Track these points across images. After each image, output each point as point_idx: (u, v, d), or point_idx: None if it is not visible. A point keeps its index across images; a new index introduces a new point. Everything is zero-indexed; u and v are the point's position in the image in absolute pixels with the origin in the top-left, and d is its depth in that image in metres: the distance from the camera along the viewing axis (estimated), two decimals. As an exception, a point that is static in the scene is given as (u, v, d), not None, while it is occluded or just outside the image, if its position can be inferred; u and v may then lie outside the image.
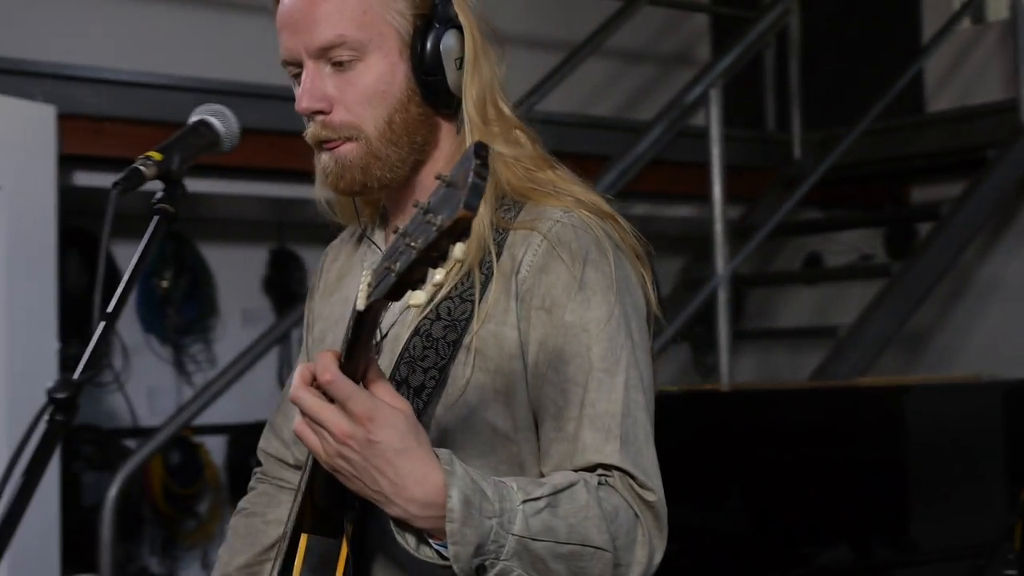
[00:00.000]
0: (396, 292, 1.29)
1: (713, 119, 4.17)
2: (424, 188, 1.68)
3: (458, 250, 1.24)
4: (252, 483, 1.96)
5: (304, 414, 1.41)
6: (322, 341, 1.80)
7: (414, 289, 1.28)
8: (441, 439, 1.57)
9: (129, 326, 5.19)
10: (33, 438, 1.30)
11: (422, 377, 1.59)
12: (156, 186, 1.51)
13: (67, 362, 4.64)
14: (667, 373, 5.81)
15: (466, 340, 1.58)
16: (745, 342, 5.81)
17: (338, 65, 1.62)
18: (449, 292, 1.60)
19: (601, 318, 1.58)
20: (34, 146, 3.74)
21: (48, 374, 3.74)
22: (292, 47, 1.63)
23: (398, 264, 1.27)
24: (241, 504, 1.94)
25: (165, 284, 5.18)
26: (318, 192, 1.76)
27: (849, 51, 5.97)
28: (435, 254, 1.24)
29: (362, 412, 1.38)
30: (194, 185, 4.59)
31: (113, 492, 3.89)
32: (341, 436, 1.38)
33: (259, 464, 1.96)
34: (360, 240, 1.84)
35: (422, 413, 1.57)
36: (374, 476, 1.40)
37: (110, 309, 1.38)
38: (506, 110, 1.68)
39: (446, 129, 1.69)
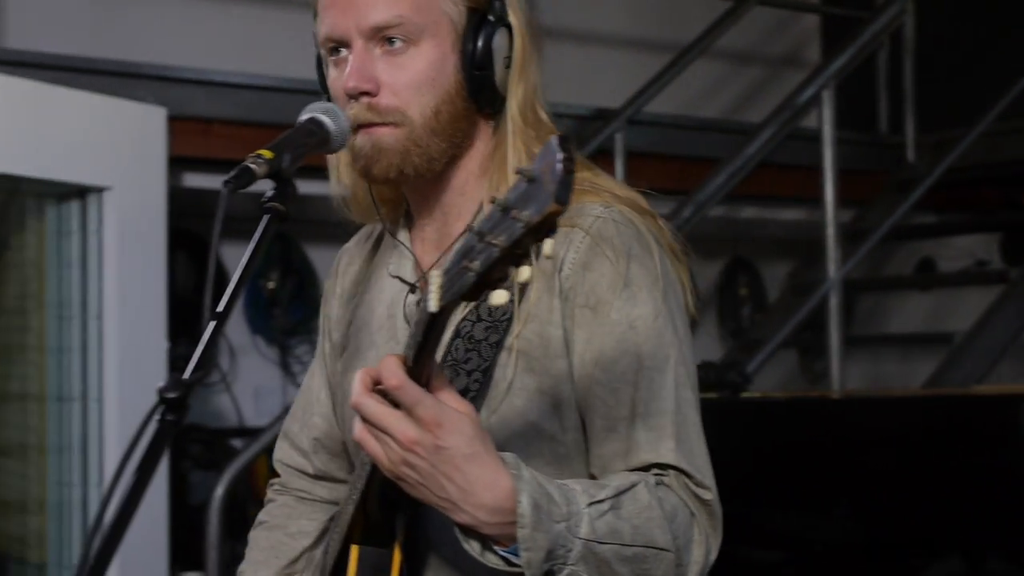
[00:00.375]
0: (474, 292, 1.25)
1: (826, 121, 4.09)
2: (455, 187, 1.67)
3: (548, 246, 1.20)
4: (270, 495, 1.92)
5: (366, 421, 1.38)
6: (344, 347, 1.78)
7: (492, 288, 1.24)
8: None
9: (236, 327, 5.24)
10: (144, 437, 1.28)
11: (466, 380, 1.57)
12: (264, 186, 1.49)
13: (176, 362, 4.70)
14: (774, 378, 5.72)
15: (508, 341, 1.55)
16: (855, 348, 5.69)
17: (389, 47, 1.59)
18: None
19: (648, 315, 1.56)
20: (144, 148, 3.78)
21: (158, 374, 3.79)
22: (341, 24, 1.60)
23: (477, 263, 1.22)
24: (260, 517, 1.90)
25: (272, 286, 5.21)
26: (334, 188, 1.74)
27: (965, 51, 5.83)
28: (519, 251, 1.20)
29: (430, 418, 1.35)
30: (301, 187, 4.61)
31: (220, 491, 3.93)
32: (408, 443, 1.35)
33: (275, 475, 1.92)
34: (378, 242, 1.81)
35: None
36: (442, 483, 1.37)
37: (220, 309, 1.35)
38: (543, 115, 1.67)
39: (483, 128, 1.67)
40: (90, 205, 3.72)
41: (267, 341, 5.30)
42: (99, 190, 3.70)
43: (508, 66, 1.63)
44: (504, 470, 1.39)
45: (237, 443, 5.11)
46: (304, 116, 1.56)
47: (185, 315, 4.11)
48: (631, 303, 1.56)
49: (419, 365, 1.35)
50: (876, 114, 5.67)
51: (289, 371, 5.33)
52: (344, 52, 1.62)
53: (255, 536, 1.88)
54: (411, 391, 1.34)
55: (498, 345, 1.56)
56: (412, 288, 1.70)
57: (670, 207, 4.08)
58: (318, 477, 1.87)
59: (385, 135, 1.59)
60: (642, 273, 1.56)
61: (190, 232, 4.82)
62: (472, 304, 1.56)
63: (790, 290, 5.27)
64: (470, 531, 1.41)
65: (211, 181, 4.27)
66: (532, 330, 1.56)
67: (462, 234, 1.26)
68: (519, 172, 1.21)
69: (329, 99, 1.68)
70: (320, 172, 4.59)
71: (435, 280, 1.27)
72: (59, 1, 4.47)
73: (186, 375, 1.31)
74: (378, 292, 1.75)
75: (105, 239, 3.70)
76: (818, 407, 3.81)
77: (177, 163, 4.05)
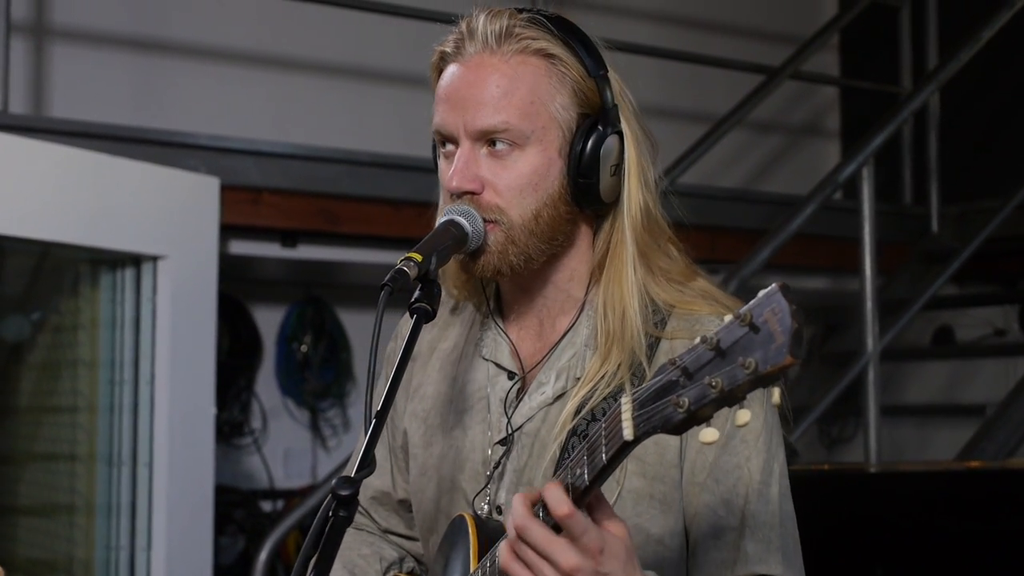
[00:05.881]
0: (681, 428, 1.27)
1: (866, 197, 4.17)
2: (558, 284, 1.71)
3: (776, 395, 1.23)
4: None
5: (526, 544, 1.38)
6: (424, 420, 1.79)
7: (698, 424, 1.26)
8: None
9: (268, 389, 5.28)
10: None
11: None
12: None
13: (222, 427, 4.73)
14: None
15: None
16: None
17: (494, 149, 1.63)
18: (604, 394, 1.62)
19: (757, 428, 1.62)
20: (198, 217, 3.84)
21: (206, 438, 3.83)
22: (450, 122, 1.64)
23: (686, 400, 1.24)
24: None
25: (304, 349, 5.26)
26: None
27: (987, 124, 5.93)
28: (739, 395, 1.22)
29: (595, 546, 1.36)
30: (336, 253, 4.63)
31: (263, 557, 3.97)
32: (569, 569, 1.36)
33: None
34: (454, 313, 1.84)
35: None
36: None
37: (379, 408, 1.41)
38: (661, 221, 1.70)
39: (584, 229, 1.71)
40: (144, 273, 3.77)
41: (297, 404, 5.34)
42: (154, 258, 3.74)
43: (615, 173, 1.65)
44: None
45: (267, 505, 5.13)
46: (444, 218, 1.62)
47: (217, 376, 4.13)
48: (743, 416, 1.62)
49: (593, 486, 1.36)
50: (900, 186, 5.75)
51: (319, 434, 5.36)
52: (451, 147, 1.66)
53: None
54: (580, 522, 1.35)
55: None
56: (511, 376, 1.74)
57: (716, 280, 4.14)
58: (386, 531, 1.93)
59: (487, 236, 1.63)
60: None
61: (225, 295, 4.87)
62: (588, 404, 1.62)
63: (818, 359, 5.32)
64: None
65: (257, 248, 4.34)
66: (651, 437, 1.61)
67: (666, 370, 1.28)
68: (737, 316, 1.22)
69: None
70: (354, 240, 4.62)
71: (627, 409, 1.30)
72: (102, 71, 4.55)
73: (353, 473, 1.36)
74: (467, 370, 1.78)
75: (158, 306, 3.75)
76: (855, 480, 3.86)
77: (224, 230, 4.11)
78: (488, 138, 1.63)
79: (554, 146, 1.64)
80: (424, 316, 1.52)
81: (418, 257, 1.52)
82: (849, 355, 4.42)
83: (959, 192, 5.58)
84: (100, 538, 3.82)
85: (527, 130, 1.62)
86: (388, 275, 1.49)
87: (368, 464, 1.37)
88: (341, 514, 1.33)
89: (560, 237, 1.67)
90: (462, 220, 1.61)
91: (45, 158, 3.50)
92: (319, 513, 1.33)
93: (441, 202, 1.71)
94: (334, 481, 1.34)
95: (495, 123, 1.62)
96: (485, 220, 1.63)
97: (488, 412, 1.73)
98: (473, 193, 1.63)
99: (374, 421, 1.41)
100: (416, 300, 1.53)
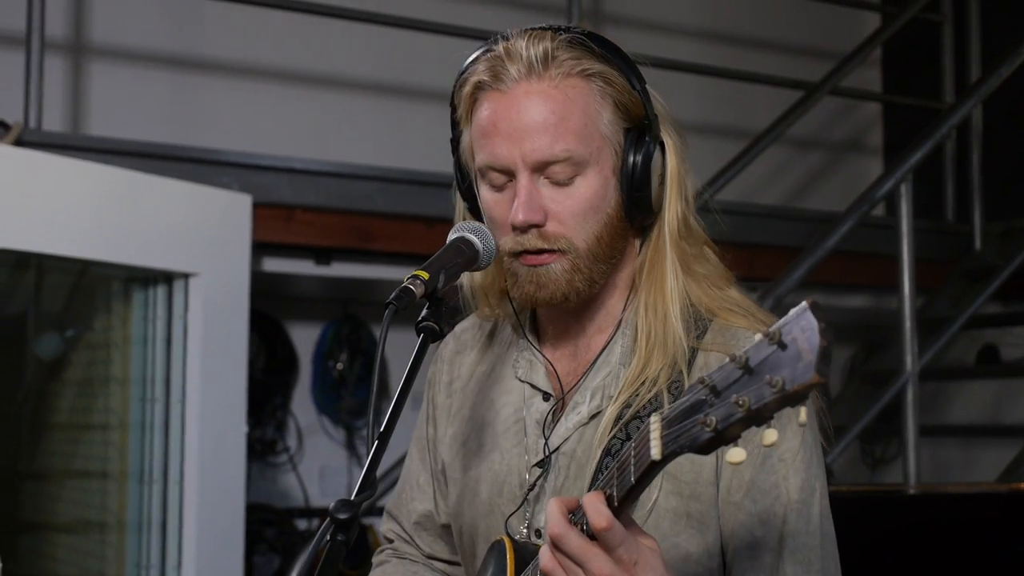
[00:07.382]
0: (708, 448, 1.24)
1: (903, 214, 4.10)
2: (599, 301, 1.68)
3: (803, 414, 1.19)
4: (382, 558, 1.93)
5: (561, 552, 1.37)
6: (463, 444, 1.77)
7: (725, 444, 1.23)
8: None
9: (304, 407, 5.27)
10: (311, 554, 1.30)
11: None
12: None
13: (256, 445, 4.72)
14: (834, 464, 5.69)
15: None
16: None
17: (556, 178, 1.59)
18: (638, 411, 1.58)
19: (796, 447, 1.57)
20: (231, 235, 3.83)
21: (237, 456, 3.82)
22: (506, 155, 1.59)
23: (714, 419, 1.21)
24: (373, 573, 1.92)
25: (340, 367, 5.25)
26: (466, 278, 1.75)
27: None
28: (766, 414, 1.19)
29: (629, 558, 1.35)
30: (371, 271, 4.62)
31: (295, 575, 3.93)
32: None
33: (387, 540, 1.95)
34: (492, 334, 1.82)
35: None
36: None
37: (382, 428, 1.38)
38: (696, 226, 1.68)
39: (632, 243, 1.68)
40: (176, 290, 3.76)
41: (333, 422, 5.33)
42: (186, 276, 3.74)
43: (661, 183, 1.63)
44: None
45: (302, 523, 5.12)
46: (454, 235, 1.59)
47: (253, 394, 4.14)
48: (781, 435, 1.56)
49: (624, 504, 1.35)
50: (943, 203, 5.67)
51: (355, 452, 5.35)
52: (501, 178, 1.62)
53: None
54: (618, 534, 1.34)
55: None
56: (546, 397, 1.71)
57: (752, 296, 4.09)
58: (430, 557, 1.90)
59: (552, 265, 1.60)
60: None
61: (261, 313, 4.87)
62: (621, 422, 1.58)
63: (859, 378, 5.25)
64: None
65: (290, 266, 4.33)
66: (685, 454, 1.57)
67: (696, 389, 1.25)
68: (766, 335, 1.19)
69: (477, 216, 1.69)
70: (388, 257, 4.61)
71: (655, 428, 1.28)
72: (140, 89, 4.56)
73: (353, 496, 1.33)
74: (503, 392, 1.76)
75: (190, 324, 3.74)
76: (896, 501, 3.79)
77: (257, 248, 4.11)
78: (549, 168, 1.59)
79: (608, 165, 1.61)
80: (431, 335, 1.50)
81: (425, 275, 1.50)
82: (890, 374, 4.35)
83: (1002, 209, 5.50)
84: (131, 556, 3.82)
85: (586, 154, 1.59)
86: (393, 293, 1.46)
87: (369, 487, 1.34)
88: (339, 538, 1.30)
89: (617, 256, 1.65)
90: (473, 237, 1.59)
91: (79, 176, 3.50)
92: (315, 538, 1.30)
93: (492, 231, 1.66)
94: (332, 504, 1.31)
95: (556, 152, 1.58)
96: (552, 250, 1.59)
97: (524, 434, 1.71)
98: (538, 226, 1.59)
99: (376, 443, 1.37)
100: (423, 319, 1.50)
